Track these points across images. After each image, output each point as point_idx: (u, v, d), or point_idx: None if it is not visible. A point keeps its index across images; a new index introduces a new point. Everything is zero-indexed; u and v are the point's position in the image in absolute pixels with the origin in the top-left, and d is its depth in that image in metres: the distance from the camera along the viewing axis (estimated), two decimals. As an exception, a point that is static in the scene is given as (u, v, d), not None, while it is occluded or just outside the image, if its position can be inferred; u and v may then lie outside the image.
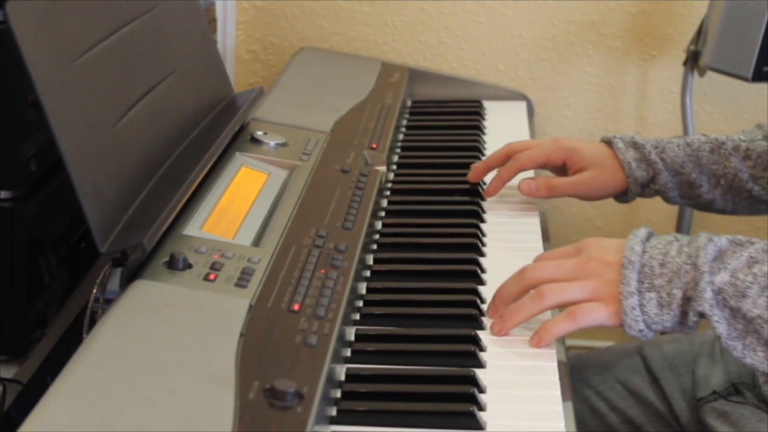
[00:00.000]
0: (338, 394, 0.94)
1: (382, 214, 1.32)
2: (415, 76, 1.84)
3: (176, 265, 0.97)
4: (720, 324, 0.99)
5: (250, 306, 0.94)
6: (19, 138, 1.03)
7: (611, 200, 1.40)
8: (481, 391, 0.95)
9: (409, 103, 1.79)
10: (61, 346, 1.11)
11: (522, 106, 1.82)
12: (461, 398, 0.93)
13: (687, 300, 1.00)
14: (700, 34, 1.90)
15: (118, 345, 0.85)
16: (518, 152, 1.37)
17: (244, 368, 0.84)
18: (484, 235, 1.28)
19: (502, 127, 1.71)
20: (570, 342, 1.12)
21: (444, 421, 0.90)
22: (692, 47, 1.92)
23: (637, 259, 1.02)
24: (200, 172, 1.12)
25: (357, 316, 1.08)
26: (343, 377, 0.96)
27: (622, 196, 1.38)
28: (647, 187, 1.36)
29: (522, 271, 1.07)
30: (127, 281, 0.95)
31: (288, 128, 1.40)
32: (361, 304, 1.10)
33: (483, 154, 1.55)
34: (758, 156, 1.33)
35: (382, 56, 2.03)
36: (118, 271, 0.98)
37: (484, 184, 1.40)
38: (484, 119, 1.73)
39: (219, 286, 0.96)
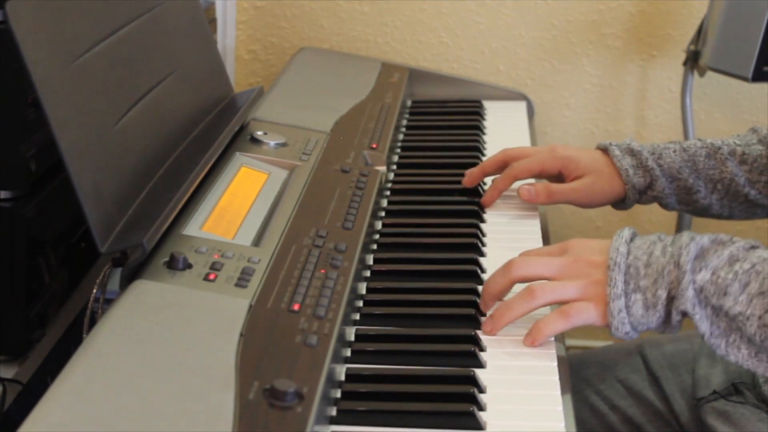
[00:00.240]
0: (338, 394, 0.94)
1: (382, 214, 1.32)
2: (415, 76, 1.84)
3: (176, 265, 0.97)
4: (702, 323, 1.00)
5: (250, 306, 0.94)
6: (19, 138, 1.03)
7: (611, 201, 1.40)
8: (481, 391, 0.95)
9: (409, 103, 1.79)
10: (61, 346, 1.11)
11: (522, 106, 1.82)
12: (461, 398, 0.93)
13: (671, 300, 1.01)
14: (700, 34, 1.90)
15: (118, 345, 0.85)
16: (514, 159, 1.37)
17: (244, 368, 0.84)
18: (484, 235, 1.28)
19: (502, 127, 1.71)
20: (570, 342, 1.12)
21: (444, 421, 0.90)
22: (692, 47, 1.92)
23: (622, 260, 1.03)
24: (200, 172, 1.12)
25: (357, 316, 1.08)
26: (343, 377, 0.96)
27: (620, 203, 1.38)
28: (645, 194, 1.36)
29: (508, 265, 1.07)
30: (127, 281, 0.95)
31: (288, 128, 1.40)
32: (361, 304, 1.10)
33: (483, 154, 1.55)
34: (754, 160, 1.33)
35: (382, 56, 2.03)
36: (118, 271, 0.98)
37: (485, 184, 1.40)
38: (484, 119, 1.73)
39: (219, 286, 0.96)
